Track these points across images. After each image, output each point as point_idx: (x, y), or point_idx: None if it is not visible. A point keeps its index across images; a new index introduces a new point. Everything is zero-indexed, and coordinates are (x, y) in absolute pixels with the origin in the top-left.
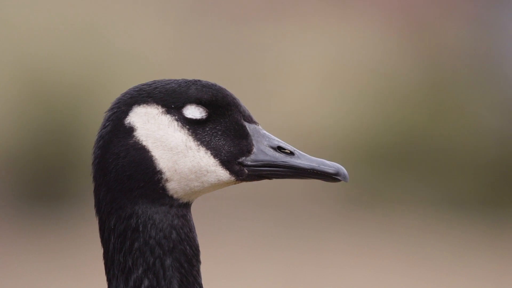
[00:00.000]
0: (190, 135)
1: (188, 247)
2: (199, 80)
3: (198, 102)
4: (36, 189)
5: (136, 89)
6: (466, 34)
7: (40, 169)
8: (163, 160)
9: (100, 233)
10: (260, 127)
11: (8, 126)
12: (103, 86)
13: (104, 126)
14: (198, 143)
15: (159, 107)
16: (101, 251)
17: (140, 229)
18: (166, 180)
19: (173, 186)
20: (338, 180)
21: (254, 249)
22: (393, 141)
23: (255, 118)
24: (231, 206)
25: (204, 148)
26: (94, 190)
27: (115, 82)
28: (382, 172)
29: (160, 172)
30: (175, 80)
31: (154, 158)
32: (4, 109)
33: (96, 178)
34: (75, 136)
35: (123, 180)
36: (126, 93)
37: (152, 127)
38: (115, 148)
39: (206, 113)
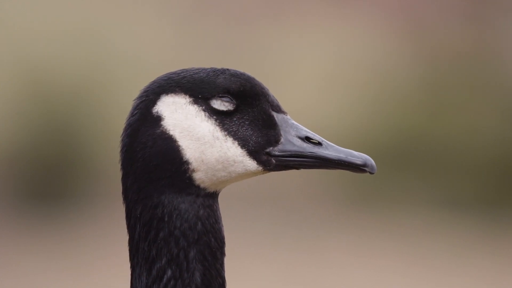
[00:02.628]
0: (217, 125)
1: (213, 239)
2: (227, 69)
3: (226, 92)
4: (36, 189)
5: (165, 78)
6: (466, 34)
7: (40, 169)
8: (190, 150)
9: (127, 220)
10: (288, 116)
11: (8, 126)
12: (103, 86)
13: (132, 114)
14: (226, 133)
15: (187, 96)
16: (101, 250)
17: (166, 219)
18: (193, 170)
19: (200, 176)
20: (366, 171)
21: (254, 249)
22: (393, 141)
23: (283, 107)
24: (231, 206)
25: (232, 138)
26: (121, 178)
27: (115, 82)
28: (382, 172)
29: (187, 162)
30: (203, 69)
31: (181, 148)
32: (4, 109)
33: (123, 166)
34: (75, 136)
35: (150, 169)
36: (154, 81)
37: (180, 116)
38: (142, 137)
39: (234, 103)
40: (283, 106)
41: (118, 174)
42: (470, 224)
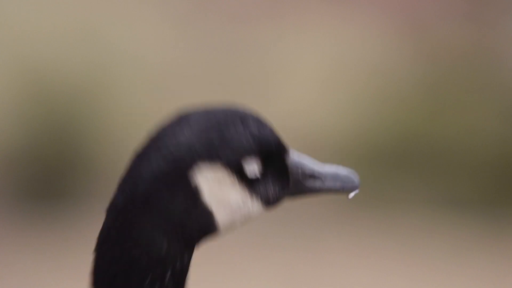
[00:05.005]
0: (247, 190)
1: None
2: (252, 126)
3: (256, 157)
4: (36, 188)
5: (198, 140)
6: (466, 34)
7: (39, 169)
8: (222, 220)
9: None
10: (292, 151)
11: (8, 126)
12: (103, 86)
13: (159, 179)
14: (253, 195)
15: (221, 163)
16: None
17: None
18: (215, 234)
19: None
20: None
21: (254, 249)
22: (393, 141)
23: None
24: None
25: (258, 200)
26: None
27: (115, 82)
28: (382, 172)
29: (216, 230)
30: (228, 123)
31: (215, 220)
32: (3, 109)
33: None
34: (75, 136)
35: (176, 230)
36: (182, 143)
37: (216, 187)
38: (175, 204)
39: (263, 167)
40: (283, 106)
41: (118, 174)
42: (471, 224)
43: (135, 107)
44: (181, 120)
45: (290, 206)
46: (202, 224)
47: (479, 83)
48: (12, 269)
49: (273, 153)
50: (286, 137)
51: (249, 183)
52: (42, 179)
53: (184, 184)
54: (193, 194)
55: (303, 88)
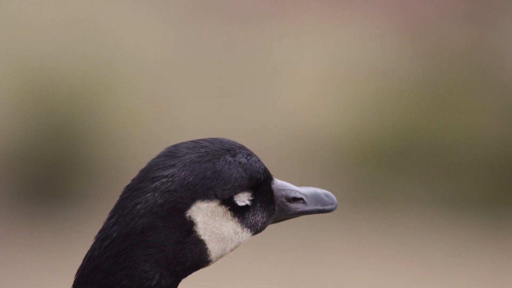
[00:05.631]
0: (238, 222)
1: None
2: (240, 159)
3: (247, 187)
4: (35, 188)
5: (198, 178)
6: (466, 34)
7: (39, 169)
8: (214, 250)
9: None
10: (275, 180)
11: (8, 126)
12: (103, 86)
13: (153, 211)
14: (244, 225)
15: (217, 200)
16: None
17: None
18: (206, 265)
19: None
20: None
21: (254, 249)
22: (393, 141)
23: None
24: None
25: (247, 228)
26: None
27: (115, 82)
28: (382, 172)
29: (208, 261)
30: (222, 158)
31: (208, 251)
32: (3, 108)
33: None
34: (75, 135)
35: (169, 261)
36: (183, 179)
37: (210, 220)
38: (169, 237)
39: (252, 196)
40: (283, 106)
41: (118, 174)
42: (470, 224)
43: (135, 107)
44: (172, 153)
45: None
46: (196, 256)
47: (479, 83)
48: (12, 269)
49: (261, 181)
50: (286, 137)
51: (240, 213)
52: (42, 179)
53: (180, 219)
54: (188, 228)
55: (303, 88)
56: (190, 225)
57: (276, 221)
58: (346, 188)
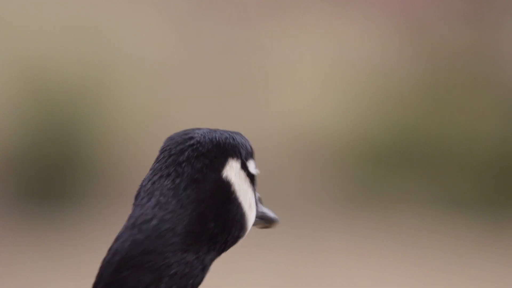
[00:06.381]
0: (252, 191)
1: None
2: (236, 132)
3: (253, 156)
4: (35, 188)
5: (223, 139)
6: (466, 34)
7: (39, 169)
8: (249, 218)
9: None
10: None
11: (8, 126)
12: (103, 86)
13: (192, 178)
14: (254, 199)
15: (239, 161)
16: (100, 250)
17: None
18: (243, 238)
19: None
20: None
21: (254, 249)
22: (393, 141)
23: None
24: None
25: (255, 204)
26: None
27: (115, 82)
28: (382, 172)
29: (246, 228)
30: (229, 131)
31: (246, 215)
32: (4, 108)
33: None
34: (75, 135)
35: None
36: (218, 145)
37: (239, 181)
38: (213, 200)
39: (256, 169)
40: (283, 106)
41: (118, 174)
42: (470, 224)
43: (135, 107)
44: (179, 134)
45: (290, 206)
46: (239, 220)
47: (479, 83)
48: (13, 269)
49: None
50: (286, 137)
51: (252, 184)
52: (42, 179)
53: (219, 180)
54: (228, 189)
55: (303, 88)
56: (228, 185)
57: (256, 221)
58: (346, 188)
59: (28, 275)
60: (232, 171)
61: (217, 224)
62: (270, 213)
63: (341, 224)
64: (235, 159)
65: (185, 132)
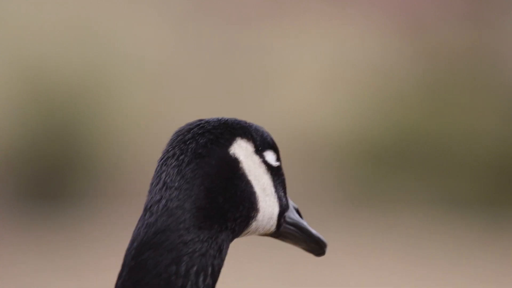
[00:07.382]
0: (271, 180)
1: None
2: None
3: (274, 149)
4: (35, 188)
5: (233, 122)
6: (466, 34)
7: (39, 169)
8: (260, 198)
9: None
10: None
11: (8, 126)
12: (103, 86)
13: (198, 153)
14: (274, 190)
15: (253, 145)
16: (100, 250)
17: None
18: (254, 219)
19: (251, 227)
20: (323, 254)
21: (254, 249)
22: (393, 141)
23: None
24: None
25: (276, 196)
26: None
27: (115, 82)
28: (382, 172)
29: (257, 209)
30: (248, 124)
31: (256, 195)
32: (4, 108)
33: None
34: (75, 135)
35: (226, 208)
36: (217, 124)
37: (251, 163)
38: (220, 174)
39: (278, 162)
40: (283, 106)
41: (118, 174)
42: (470, 224)
43: (135, 107)
44: (190, 123)
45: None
46: (247, 197)
47: (479, 83)
48: (13, 268)
49: (279, 154)
50: (286, 137)
51: (271, 173)
52: (42, 179)
53: (225, 155)
54: (235, 165)
55: (303, 88)
56: (236, 162)
57: (290, 228)
58: (346, 188)
59: (28, 275)
60: (241, 150)
61: (225, 198)
62: (314, 231)
63: (341, 224)
64: (245, 140)
65: (191, 123)
